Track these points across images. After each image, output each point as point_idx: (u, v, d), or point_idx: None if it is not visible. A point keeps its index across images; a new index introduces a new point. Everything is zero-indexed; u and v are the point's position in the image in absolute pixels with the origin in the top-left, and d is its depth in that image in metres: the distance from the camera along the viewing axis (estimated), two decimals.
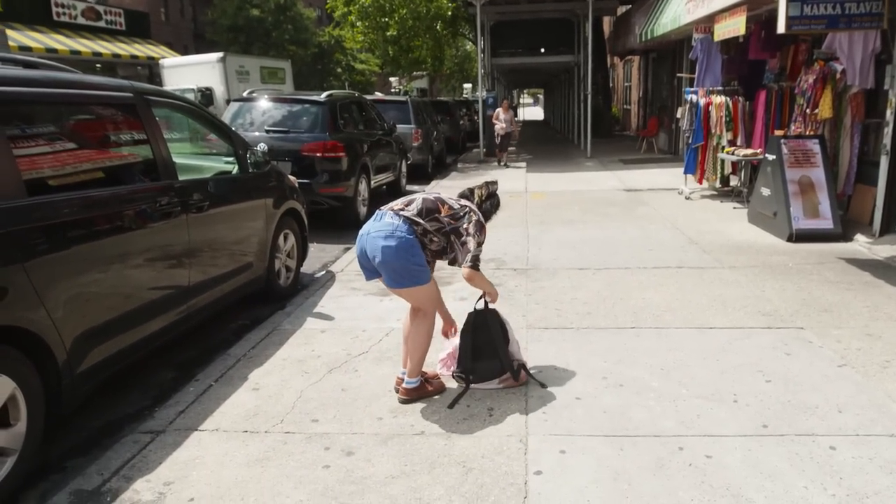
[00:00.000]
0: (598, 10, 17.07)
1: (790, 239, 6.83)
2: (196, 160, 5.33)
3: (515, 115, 23.08)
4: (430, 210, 3.35)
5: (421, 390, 3.50)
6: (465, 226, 3.35)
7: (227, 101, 12.36)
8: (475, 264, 3.34)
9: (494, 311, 3.64)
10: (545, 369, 3.82)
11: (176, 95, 4.70)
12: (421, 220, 3.31)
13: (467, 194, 3.58)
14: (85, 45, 24.27)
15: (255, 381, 3.78)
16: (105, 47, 25.37)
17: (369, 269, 3.43)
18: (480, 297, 3.61)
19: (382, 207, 3.44)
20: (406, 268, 3.28)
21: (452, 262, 3.47)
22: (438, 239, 3.37)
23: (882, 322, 4.49)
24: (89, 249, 3.29)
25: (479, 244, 3.34)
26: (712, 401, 3.38)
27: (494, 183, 3.75)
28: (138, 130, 3.96)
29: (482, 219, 3.43)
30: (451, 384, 3.65)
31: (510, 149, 17.70)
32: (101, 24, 26.70)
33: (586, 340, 4.27)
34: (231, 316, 5.16)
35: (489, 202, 3.60)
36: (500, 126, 15.62)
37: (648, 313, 4.77)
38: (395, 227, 3.26)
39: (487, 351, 3.56)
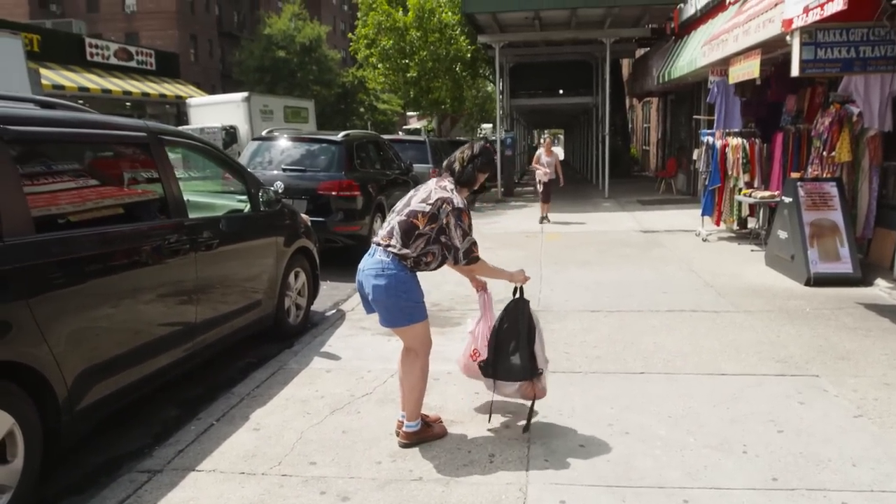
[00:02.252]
0: (615, 52, 17.27)
1: (808, 283, 6.70)
2: (209, 198, 5.41)
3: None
4: (408, 231, 3.22)
5: (421, 434, 3.44)
6: (443, 222, 3.21)
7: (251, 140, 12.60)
8: (469, 257, 3.24)
9: (525, 304, 3.48)
10: (550, 415, 3.75)
11: (190, 135, 4.79)
12: (408, 251, 3.21)
13: (451, 166, 3.40)
14: (116, 85, 24.99)
15: (257, 422, 3.75)
16: (135, 86, 26.11)
17: (368, 303, 3.40)
18: (515, 288, 3.48)
19: (375, 238, 3.38)
20: (398, 305, 3.24)
21: (456, 263, 3.33)
22: (434, 250, 3.26)
23: None
24: (95, 286, 3.32)
25: (465, 234, 3.20)
26: (721, 451, 3.28)
27: (483, 139, 3.62)
28: (150, 169, 4.03)
29: (458, 202, 3.22)
30: (454, 429, 3.59)
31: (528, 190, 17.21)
32: (133, 64, 27.52)
33: (594, 385, 4.19)
34: (239, 353, 5.15)
35: (472, 164, 3.35)
36: (542, 172, 12.02)
37: (659, 358, 4.68)
38: (384, 265, 3.21)
39: (510, 347, 3.43)
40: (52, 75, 21.92)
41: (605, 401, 3.93)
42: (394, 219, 3.30)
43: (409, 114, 34.54)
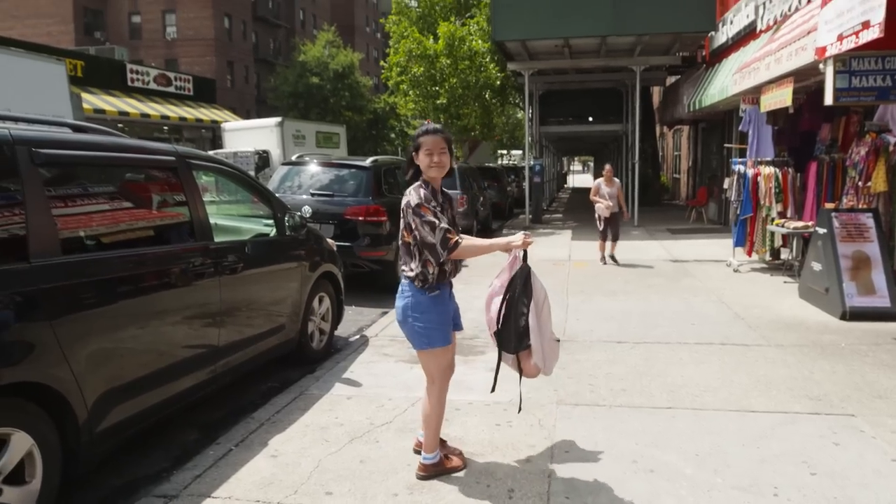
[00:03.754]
0: (646, 80, 17.21)
1: (843, 317, 6.50)
2: (236, 222, 5.46)
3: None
4: (405, 248, 3.23)
5: (439, 467, 3.37)
6: (412, 226, 3.14)
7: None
8: (447, 246, 3.05)
9: (525, 271, 3.21)
10: (572, 449, 3.65)
11: (218, 159, 4.86)
12: (415, 268, 3.18)
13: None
14: (154, 109, 25.67)
15: (275, 448, 3.72)
16: (173, 111, 26.79)
17: None
18: (524, 253, 3.23)
19: None
20: (412, 328, 3.25)
21: (440, 259, 3.14)
22: (427, 257, 3.15)
23: None
24: (119, 308, 3.35)
25: (433, 225, 3.05)
26: (750, 493, 3.15)
27: (422, 124, 3.46)
28: (178, 193, 4.08)
29: (413, 199, 3.12)
30: (474, 462, 3.52)
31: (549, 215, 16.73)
32: (171, 89, 28.28)
33: (618, 420, 4.08)
34: (261, 378, 5.16)
35: (409, 155, 3.28)
36: (604, 205, 10.09)
37: (686, 392, 4.55)
38: (402, 288, 3.28)
39: (511, 316, 3.23)
40: (93, 99, 22.61)
41: (629, 436, 3.83)
42: (398, 242, 3.33)
43: None
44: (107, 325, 3.26)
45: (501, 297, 3.29)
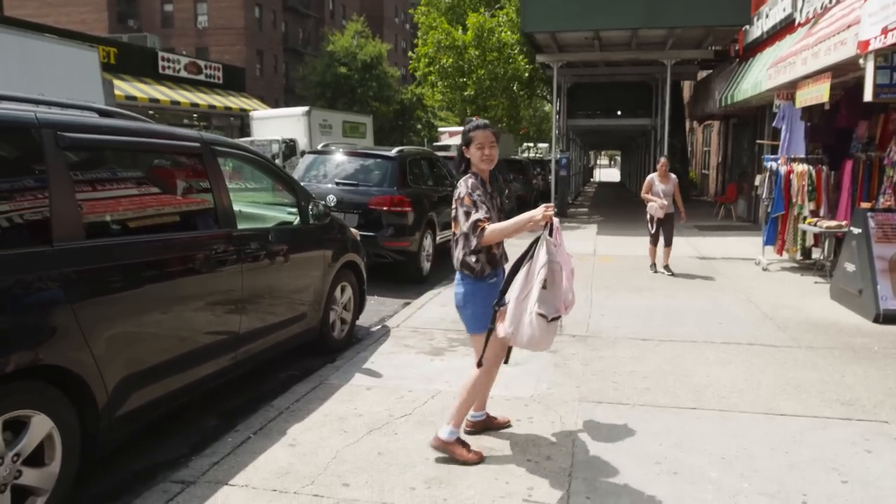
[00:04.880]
0: (676, 74, 16.91)
1: (876, 320, 6.31)
2: (260, 210, 5.46)
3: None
4: (455, 238, 3.41)
5: (451, 447, 3.42)
6: (459, 215, 3.32)
7: (304, 153, 12.80)
8: (476, 233, 3.21)
9: (541, 239, 3.12)
10: (593, 448, 3.58)
11: (243, 146, 4.85)
12: (459, 257, 3.39)
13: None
14: (184, 97, 25.93)
15: (293, 437, 3.71)
16: (203, 99, 27.03)
17: None
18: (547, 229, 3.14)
19: None
20: (469, 313, 3.44)
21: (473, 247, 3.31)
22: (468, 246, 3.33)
23: None
24: (140, 293, 3.35)
25: (468, 214, 3.24)
26: (777, 499, 3.05)
27: (469, 119, 3.58)
28: (202, 179, 4.07)
29: (461, 191, 3.31)
30: (493, 458, 3.47)
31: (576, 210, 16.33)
32: (202, 77, 28.53)
33: (642, 419, 4.00)
34: (282, 365, 5.15)
35: (459, 150, 3.47)
36: (658, 204, 8.84)
37: (712, 393, 4.44)
38: (458, 278, 3.47)
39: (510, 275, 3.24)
40: (125, 86, 22.90)
41: (653, 436, 3.74)
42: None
43: (441, 129, 34.19)
44: (128, 310, 3.26)
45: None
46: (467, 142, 3.39)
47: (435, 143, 30.17)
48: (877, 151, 7.98)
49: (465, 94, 19.40)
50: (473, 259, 3.31)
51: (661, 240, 9.11)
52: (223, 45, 40.80)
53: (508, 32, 18.56)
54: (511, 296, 3.12)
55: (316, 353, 5.35)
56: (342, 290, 5.62)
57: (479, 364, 3.39)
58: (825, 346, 5.56)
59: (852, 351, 5.45)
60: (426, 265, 8.93)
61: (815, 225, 8.27)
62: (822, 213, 8.60)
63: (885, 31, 4.64)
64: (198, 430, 4.03)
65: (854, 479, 3.26)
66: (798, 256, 9.22)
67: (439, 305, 7.01)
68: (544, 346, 3.21)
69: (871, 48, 5.00)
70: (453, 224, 3.38)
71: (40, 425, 2.77)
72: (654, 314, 6.65)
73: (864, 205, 7.13)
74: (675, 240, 9.51)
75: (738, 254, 10.54)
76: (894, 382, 4.68)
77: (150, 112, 23.95)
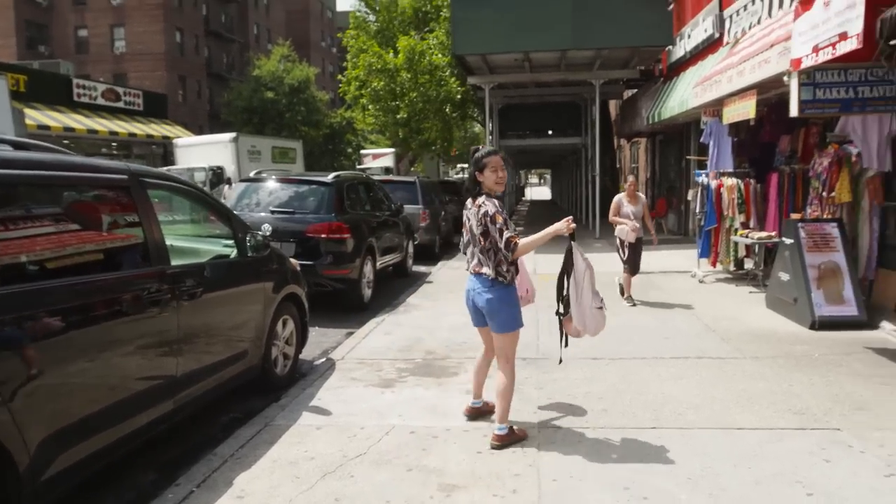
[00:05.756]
0: (604, 93, 17.36)
1: (813, 326, 6.51)
2: (194, 243, 5.16)
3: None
4: (482, 252, 3.89)
5: (511, 436, 3.88)
6: (488, 231, 3.81)
7: (231, 181, 12.39)
8: (509, 248, 3.72)
9: (568, 249, 3.93)
10: (559, 478, 3.47)
11: (175, 177, 4.57)
12: (492, 268, 3.85)
13: (470, 189, 3.95)
14: (102, 125, 24.85)
15: (241, 487, 3.44)
16: (122, 127, 25.98)
17: (480, 315, 4.07)
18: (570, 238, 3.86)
19: (469, 268, 4.04)
20: (503, 316, 3.91)
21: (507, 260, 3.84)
22: (500, 257, 3.83)
23: None
24: (65, 342, 3.04)
25: (502, 230, 3.72)
26: None
27: (475, 148, 4.18)
28: (131, 214, 3.78)
29: (491, 209, 3.77)
30: (458, 496, 3.30)
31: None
32: (120, 104, 27.48)
33: (604, 443, 3.92)
34: (223, 408, 4.84)
35: (471, 176, 3.91)
36: (629, 227, 8.00)
37: (669, 410, 4.42)
38: (480, 285, 3.92)
39: (560, 287, 4.01)
40: (37, 115, 21.76)
41: (617, 460, 3.67)
42: (473, 250, 3.96)
43: (364, 151, 33.89)
44: (50, 361, 2.94)
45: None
46: (481, 167, 3.84)
47: (358, 167, 29.90)
48: (800, 164, 8.32)
49: (398, 116, 19.35)
50: (505, 268, 3.81)
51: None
52: (143, 71, 39.47)
53: (439, 55, 18.68)
54: (571, 304, 3.94)
55: (259, 391, 5.06)
56: (284, 324, 5.36)
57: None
58: (769, 356, 5.67)
59: (794, 359, 5.57)
60: (367, 292, 8.71)
61: (746, 237, 8.53)
62: (751, 224, 8.89)
63: (815, 50, 4.82)
64: (134, 486, 3.70)
65: (818, 490, 3.27)
66: (731, 267, 9.50)
67: (384, 334, 6.81)
68: (602, 329, 4.12)
69: (803, 66, 5.18)
70: (481, 238, 3.82)
71: None
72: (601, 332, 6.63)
73: (795, 216, 7.40)
74: (611, 255, 9.49)
75: (674, 267, 10.77)
76: (839, 389, 4.79)
77: (65, 142, 22.83)
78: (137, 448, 3.70)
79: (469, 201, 3.97)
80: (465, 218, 4.01)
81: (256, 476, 3.57)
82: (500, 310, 3.85)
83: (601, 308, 3.99)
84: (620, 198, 8.25)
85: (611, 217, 8.29)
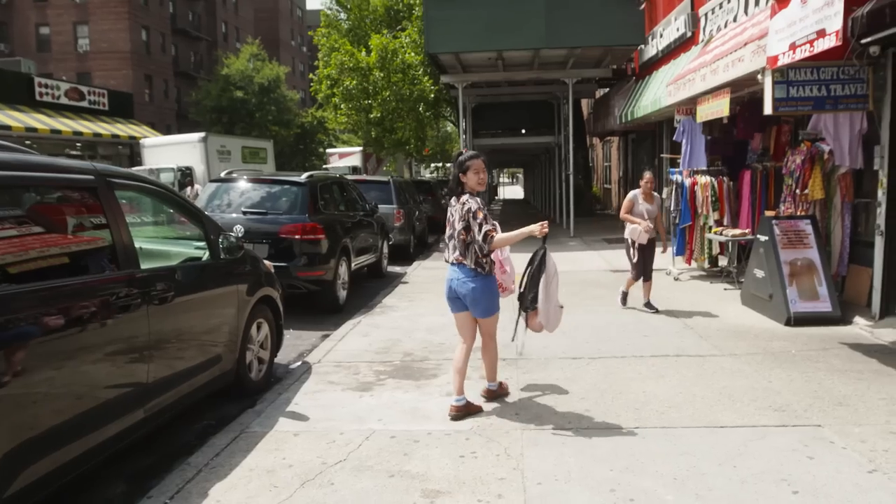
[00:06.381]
0: (577, 92, 17.42)
1: (788, 322, 6.57)
2: (165, 245, 5.00)
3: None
4: (462, 244, 4.26)
5: (499, 391, 4.69)
6: (470, 226, 4.18)
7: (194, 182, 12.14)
8: (486, 240, 4.09)
9: (540, 251, 4.33)
10: (545, 481, 3.41)
11: (144, 178, 4.41)
12: (472, 260, 4.26)
13: (453, 188, 4.33)
14: (66, 125, 24.25)
15: (217, 499, 3.31)
16: (87, 127, 25.38)
17: (459, 303, 4.45)
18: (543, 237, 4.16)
19: (448, 258, 4.42)
20: (484, 303, 4.36)
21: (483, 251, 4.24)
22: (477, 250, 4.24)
23: None
24: (27, 351, 2.89)
25: (481, 225, 4.08)
26: None
27: (459, 152, 4.41)
28: (98, 216, 3.63)
29: (473, 205, 4.16)
30: (443, 499, 3.22)
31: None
32: (85, 104, 26.84)
33: (588, 444, 3.87)
34: (196, 415, 4.69)
35: (455, 176, 4.29)
36: (643, 227, 7.24)
37: (651, 409, 4.40)
38: (462, 275, 4.31)
39: (528, 284, 4.38)
40: None
41: (602, 462, 3.62)
42: (454, 243, 4.31)
43: (330, 150, 33.25)
44: (13, 371, 2.80)
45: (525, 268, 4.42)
46: (465, 169, 4.23)
47: (324, 166, 29.55)
48: (773, 162, 8.40)
49: (371, 116, 19.18)
50: (485, 260, 4.22)
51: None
52: (108, 70, 38.64)
53: (412, 53, 18.55)
54: (540, 300, 4.29)
55: (233, 397, 4.93)
56: (258, 328, 5.23)
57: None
58: (747, 353, 5.69)
59: (773, 356, 5.59)
60: (342, 294, 8.58)
61: (721, 234, 8.58)
62: (725, 222, 8.95)
63: (792, 48, 4.83)
64: (102, 499, 3.55)
65: (803, 489, 3.25)
66: (706, 265, 9.56)
67: (361, 336, 6.70)
68: (559, 325, 4.53)
69: (780, 63, 5.20)
70: (463, 232, 4.19)
71: None
72: (579, 331, 6.62)
73: (769, 213, 7.46)
74: (586, 253, 9.51)
75: None
76: (817, 385, 4.81)
77: (28, 142, 22.20)
78: (107, 458, 3.55)
79: (453, 199, 4.33)
80: (448, 214, 4.36)
81: (233, 486, 3.45)
82: (482, 297, 4.27)
83: (561, 307, 4.46)
84: (635, 194, 7.49)
85: (622, 214, 7.54)
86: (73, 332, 3.18)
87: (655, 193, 7.58)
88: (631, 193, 7.61)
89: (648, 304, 7.48)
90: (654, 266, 7.69)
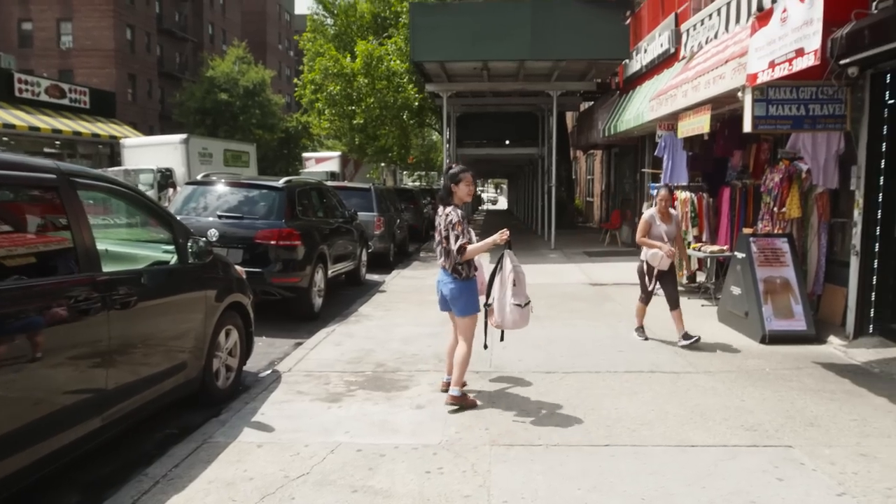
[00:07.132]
0: (561, 105, 17.47)
1: (763, 340, 6.57)
2: (132, 248, 4.87)
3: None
4: (446, 252, 4.67)
5: (462, 399, 4.67)
6: (450, 235, 4.61)
7: (176, 185, 11.98)
8: (458, 251, 4.52)
9: (502, 254, 4.69)
10: (511, 500, 3.33)
11: (111, 178, 4.29)
12: (451, 266, 4.67)
13: (442, 197, 4.71)
14: (45, 123, 23.89)
15: None
16: (66, 125, 25.03)
17: (445, 302, 4.85)
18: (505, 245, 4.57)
19: (441, 261, 4.78)
20: (462, 302, 4.72)
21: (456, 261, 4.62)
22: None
23: (874, 439, 4.14)
24: None
25: (457, 237, 4.52)
26: None
27: (450, 165, 4.80)
28: (59, 216, 3.52)
29: (454, 217, 4.57)
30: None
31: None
32: (65, 101, 26.48)
33: (557, 461, 3.80)
34: (158, 423, 4.57)
35: (445, 187, 4.69)
36: (664, 252, 6.41)
37: (623, 427, 4.34)
38: (446, 278, 4.72)
39: (490, 283, 4.73)
40: None
41: (571, 480, 3.55)
42: (440, 248, 4.72)
43: (306, 155, 32.66)
44: None
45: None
46: (457, 181, 4.64)
47: (301, 171, 29.30)
48: (752, 179, 8.44)
49: (355, 122, 19.09)
50: (461, 267, 4.60)
51: (656, 298, 6.87)
52: (90, 68, 38.16)
53: (398, 61, 18.51)
54: (494, 298, 4.67)
55: (198, 405, 4.80)
56: (227, 335, 5.12)
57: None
58: (721, 370, 5.67)
59: (746, 374, 5.58)
60: (318, 301, 8.47)
61: (699, 250, 8.59)
62: (704, 238, 8.97)
63: (772, 66, 4.84)
64: None
65: None
66: (684, 280, 9.56)
67: (334, 345, 6.60)
68: (523, 325, 4.77)
69: (759, 81, 5.21)
70: (444, 240, 4.62)
71: None
72: (555, 345, 6.57)
73: (747, 230, 7.48)
74: (567, 266, 9.44)
75: (628, 279, 10.75)
76: (790, 405, 4.79)
77: (5, 139, 21.88)
78: (63, 466, 3.42)
79: (441, 208, 4.71)
80: (436, 222, 4.76)
81: (189, 499, 3.34)
82: (459, 298, 4.65)
83: (519, 306, 4.62)
84: (652, 214, 6.54)
85: (639, 238, 6.58)
86: (26, 335, 3.06)
87: (672, 211, 6.71)
88: (646, 214, 6.64)
89: (686, 336, 6.46)
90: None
